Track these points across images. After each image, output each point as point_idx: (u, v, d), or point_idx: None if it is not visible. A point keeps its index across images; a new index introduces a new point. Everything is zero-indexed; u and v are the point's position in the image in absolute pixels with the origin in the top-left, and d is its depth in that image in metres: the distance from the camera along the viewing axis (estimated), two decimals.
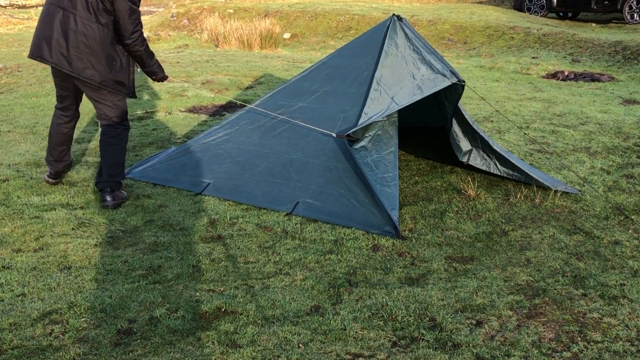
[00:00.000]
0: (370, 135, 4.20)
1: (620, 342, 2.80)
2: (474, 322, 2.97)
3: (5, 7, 24.92)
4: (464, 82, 4.21)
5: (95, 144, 5.90)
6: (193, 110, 7.43)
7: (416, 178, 5.02)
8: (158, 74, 4.54)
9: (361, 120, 4.17)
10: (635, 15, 15.15)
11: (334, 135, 4.24)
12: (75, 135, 6.20)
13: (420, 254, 3.72)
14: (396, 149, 4.21)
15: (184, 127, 6.55)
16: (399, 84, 4.25)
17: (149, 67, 4.41)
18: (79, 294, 3.16)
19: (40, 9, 25.30)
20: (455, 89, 4.30)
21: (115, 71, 4.15)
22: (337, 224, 4.07)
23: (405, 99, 4.20)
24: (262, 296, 3.18)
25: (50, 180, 4.68)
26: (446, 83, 4.19)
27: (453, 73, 4.21)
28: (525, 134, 6.22)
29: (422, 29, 14.50)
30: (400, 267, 3.55)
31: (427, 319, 2.99)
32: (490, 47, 13.30)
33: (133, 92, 4.38)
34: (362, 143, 4.18)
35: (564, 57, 11.90)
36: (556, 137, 6.16)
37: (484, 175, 4.95)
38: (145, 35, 4.75)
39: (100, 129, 4.49)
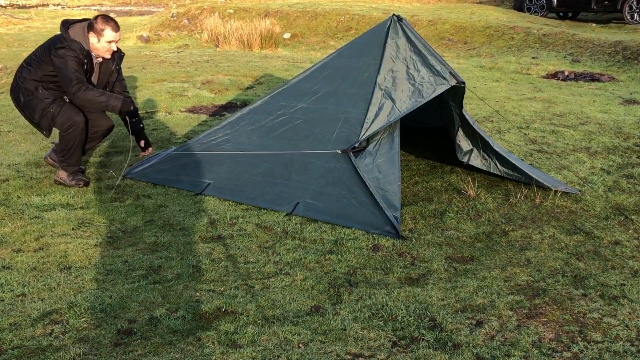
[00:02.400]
0: (375, 140, 4.21)
1: (620, 342, 2.80)
2: (474, 322, 2.97)
3: (5, 7, 24.93)
4: (463, 83, 4.22)
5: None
6: (193, 110, 7.43)
7: (416, 178, 5.02)
8: (117, 105, 4.63)
9: (365, 126, 4.18)
10: (635, 15, 15.15)
11: (339, 152, 4.23)
12: None
13: (420, 254, 3.72)
14: (399, 149, 4.21)
15: (184, 127, 6.55)
16: (400, 88, 4.26)
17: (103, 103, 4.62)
18: (79, 294, 3.16)
19: (40, 9, 25.32)
20: (457, 90, 4.30)
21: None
22: (337, 224, 4.07)
23: (406, 104, 4.20)
24: (262, 296, 3.18)
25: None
26: (445, 86, 4.20)
27: (452, 75, 4.21)
28: (525, 134, 6.22)
29: (422, 29, 14.50)
30: (400, 267, 3.55)
31: (427, 319, 2.99)
32: (491, 47, 13.30)
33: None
34: (368, 150, 4.20)
35: (564, 57, 11.90)
36: (556, 137, 6.16)
37: (484, 175, 4.95)
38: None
39: None
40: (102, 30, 4.50)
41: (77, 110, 4.61)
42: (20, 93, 4.64)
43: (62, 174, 4.74)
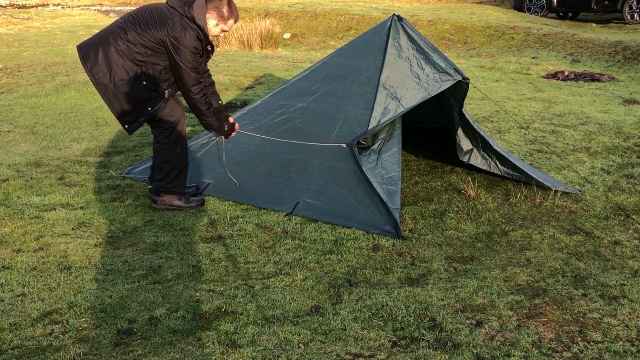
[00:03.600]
0: (380, 138, 4.21)
1: (620, 342, 2.80)
2: (474, 322, 2.97)
3: (5, 7, 24.91)
4: (468, 79, 4.22)
5: (95, 144, 5.90)
6: None
7: (416, 178, 5.02)
8: (220, 132, 4.38)
9: (371, 125, 4.18)
10: (635, 15, 15.15)
11: (344, 145, 4.23)
12: (75, 135, 6.21)
13: (420, 254, 3.72)
14: (400, 148, 4.21)
15: None
16: (405, 86, 4.26)
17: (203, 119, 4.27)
18: (79, 294, 3.16)
19: (40, 9, 25.28)
20: (460, 87, 4.30)
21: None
22: (337, 224, 4.07)
23: (412, 101, 4.20)
24: (262, 296, 3.18)
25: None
26: (451, 82, 4.20)
27: (457, 71, 4.21)
28: (525, 134, 6.22)
29: (422, 29, 14.50)
30: (400, 267, 3.55)
31: (427, 319, 2.99)
32: (491, 47, 13.29)
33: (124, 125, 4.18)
34: (372, 148, 4.20)
35: (564, 57, 11.90)
36: (556, 137, 6.16)
37: (484, 175, 4.95)
38: None
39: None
40: (229, 18, 4.08)
41: (184, 129, 4.29)
42: (113, 74, 3.97)
43: (172, 199, 4.33)
